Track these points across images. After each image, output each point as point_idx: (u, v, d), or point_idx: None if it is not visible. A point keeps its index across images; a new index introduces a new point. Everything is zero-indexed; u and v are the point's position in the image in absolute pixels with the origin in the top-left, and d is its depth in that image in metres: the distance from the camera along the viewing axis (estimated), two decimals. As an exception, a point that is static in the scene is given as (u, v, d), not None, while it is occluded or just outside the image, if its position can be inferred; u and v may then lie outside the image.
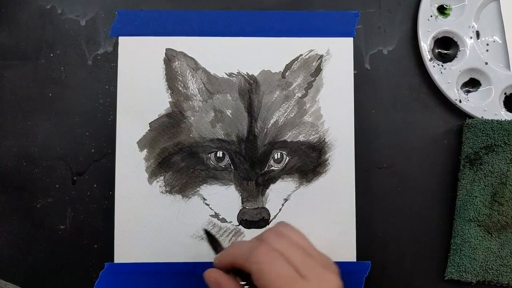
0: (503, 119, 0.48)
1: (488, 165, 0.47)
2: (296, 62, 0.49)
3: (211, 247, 0.43)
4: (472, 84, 0.50)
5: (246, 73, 0.49)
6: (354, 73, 0.49)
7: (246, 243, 0.39)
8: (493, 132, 0.47)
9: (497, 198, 0.47)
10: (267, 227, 0.48)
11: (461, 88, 0.50)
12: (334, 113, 0.49)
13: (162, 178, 0.48)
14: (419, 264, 0.49)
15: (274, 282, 0.34)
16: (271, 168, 0.48)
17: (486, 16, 0.51)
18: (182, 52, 0.49)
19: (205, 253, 0.47)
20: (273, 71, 0.49)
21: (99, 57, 0.49)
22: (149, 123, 0.48)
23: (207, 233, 0.43)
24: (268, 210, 0.48)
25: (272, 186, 0.48)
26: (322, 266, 0.36)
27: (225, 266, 0.39)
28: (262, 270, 0.35)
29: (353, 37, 0.50)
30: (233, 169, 0.48)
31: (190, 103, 0.48)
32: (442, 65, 0.49)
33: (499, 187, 0.47)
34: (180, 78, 0.49)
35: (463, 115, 0.49)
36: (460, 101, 0.49)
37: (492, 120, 0.48)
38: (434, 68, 0.49)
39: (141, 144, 0.48)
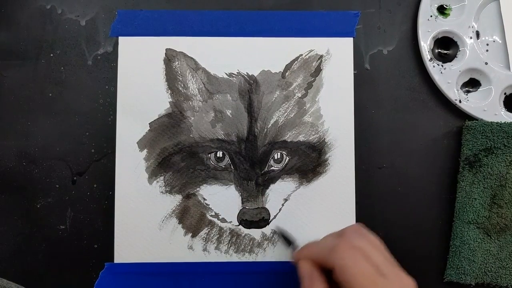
0: (503, 120, 0.48)
1: (488, 168, 0.47)
2: (296, 62, 0.49)
3: (284, 243, 0.47)
4: (472, 84, 0.50)
5: (246, 73, 0.49)
6: (354, 73, 0.49)
7: (324, 240, 0.40)
8: (493, 135, 0.47)
9: (496, 200, 0.47)
10: (268, 227, 0.48)
11: (461, 88, 0.50)
12: (334, 113, 0.49)
13: (162, 178, 0.48)
14: (419, 265, 0.49)
15: (357, 278, 0.35)
16: (271, 168, 0.48)
17: (486, 16, 0.51)
18: (182, 52, 0.49)
19: (204, 253, 0.48)
20: (273, 71, 0.49)
21: (99, 57, 0.49)
22: (149, 123, 0.48)
23: (280, 232, 0.47)
24: (268, 210, 0.48)
25: (272, 186, 0.48)
26: (399, 269, 0.37)
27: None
28: (345, 265, 0.35)
29: (353, 37, 0.50)
30: (233, 169, 0.48)
31: (190, 103, 0.48)
32: (442, 65, 0.49)
33: (499, 189, 0.47)
34: (180, 78, 0.49)
35: (463, 115, 0.49)
36: (460, 101, 0.49)
37: (491, 122, 0.48)
38: (434, 68, 0.49)
39: (141, 144, 0.48)
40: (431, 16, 0.50)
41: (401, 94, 0.50)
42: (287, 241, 0.47)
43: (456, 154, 0.49)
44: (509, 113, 0.49)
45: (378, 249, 0.38)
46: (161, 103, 0.48)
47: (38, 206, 0.48)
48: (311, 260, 0.39)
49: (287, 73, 0.49)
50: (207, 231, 0.48)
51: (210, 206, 0.48)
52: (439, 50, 0.51)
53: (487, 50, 0.51)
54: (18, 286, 0.46)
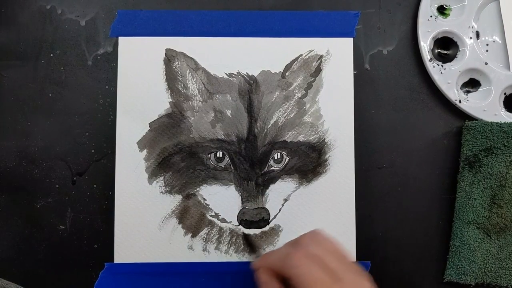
0: (502, 120, 0.48)
1: (487, 168, 0.47)
2: (296, 62, 0.49)
3: (248, 251, 0.47)
4: (472, 84, 0.50)
5: (246, 73, 0.49)
6: (354, 73, 0.49)
7: (281, 249, 0.41)
8: (493, 135, 0.47)
9: (496, 200, 0.47)
10: (268, 227, 0.48)
11: (461, 88, 0.50)
12: (334, 113, 0.49)
13: (162, 178, 0.48)
14: (419, 265, 0.49)
15: (312, 285, 0.35)
16: (271, 168, 0.48)
17: (486, 16, 0.51)
18: (182, 52, 0.49)
19: (204, 253, 0.48)
20: (273, 71, 0.49)
21: (99, 57, 0.49)
22: (149, 123, 0.48)
23: (247, 240, 0.47)
24: (268, 210, 0.48)
25: (272, 186, 0.48)
26: (356, 272, 0.37)
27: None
28: (300, 274, 0.36)
29: (353, 37, 0.50)
30: (233, 169, 0.48)
31: (190, 103, 0.48)
32: (442, 65, 0.49)
33: (498, 189, 0.47)
34: (180, 79, 0.49)
35: (463, 116, 0.49)
36: (460, 101, 0.49)
37: (491, 122, 0.48)
38: (434, 68, 0.49)
39: (141, 144, 0.48)
40: (431, 16, 0.50)
41: (401, 94, 0.50)
42: (252, 249, 0.47)
43: (456, 154, 0.49)
44: (509, 113, 0.49)
45: (334, 254, 0.38)
46: (161, 103, 0.48)
47: (38, 206, 0.48)
48: (269, 269, 0.40)
49: (287, 73, 0.49)
50: (207, 231, 0.48)
51: (210, 206, 0.48)
52: (439, 50, 0.51)
53: (487, 50, 0.51)
54: (17, 286, 0.46)
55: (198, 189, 0.48)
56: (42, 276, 0.47)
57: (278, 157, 0.48)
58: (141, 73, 0.48)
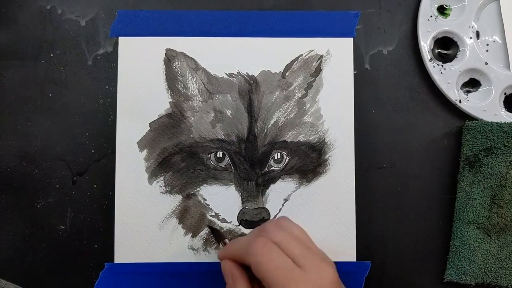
0: (503, 120, 0.48)
1: (488, 168, 0.47)
2: (296, 62, 0.49)
3: (215, 241, 0.47)
4: (472, 84, 0.50)
5: (246, 73, 0.49)
6: (354, 73, 0.49)
7: (245, 237, 0.40)
8: (493, 135, 0.47)
9: (496, 200, 0.47)
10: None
11: (461, 88, 0.50)
12: (334, 114, 0.49)
13: (162, 178, 0.48)
14: (419, 265, 0.49)
15: (272, 272, 0.35)
16: (271, 168, 0.48)
17: (486, 16, 0.51)
18: (182, 52, 0.49)
19: (205, 253, 0.48)
20: (273, 71, 0.49)
21: (99, 57, 0.49)
22: (149, 123, 0.48)
23: (211, 228, 0.47)
24: (268, 210, 0.48)
25: (272, 186, 0.48)
26: (320, 258, 0.37)
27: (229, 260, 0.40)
28: (260, 262, 0.35)
29: (353, 37, 0.50)
30: (233, 170, 0.48)
31: (190, 103, 0.48)
32: (442, 65, 0.49)
33: (499, 189, 0.47)
34: (180, 79, 0.49)
35: (463, 116, 0.49)
36: (460, 101, 0.49)
37: (491, 122, 0.48)
38: (434, 68, 0.49)
39: (141, 144, 0.48)
40: (431, 16, 0.50)
41: (401, 94, 0.50)
42: (218, 238, 0.47)
43: (456, 154, 0.49)
44: (509, 113, 0.49)
45: (297, 240, 0.37)
46: (161, 103, 0.48)
47: (38, 206, 0.48)
48: (234, 258, 0.39)
49: (287, 73, 0.49)
50: (207, 231, 0.48)
51: (210, 206, 0.48)
52: (439, 50, 0.51)
53: (487, 50, 0.51)
54: (16, 286, 0.46)
55: (198, 189, 0.48)
56: (42, 276, 0.47)
57: (278, 157, 0.48)
58: (141, 73, 0.48)
